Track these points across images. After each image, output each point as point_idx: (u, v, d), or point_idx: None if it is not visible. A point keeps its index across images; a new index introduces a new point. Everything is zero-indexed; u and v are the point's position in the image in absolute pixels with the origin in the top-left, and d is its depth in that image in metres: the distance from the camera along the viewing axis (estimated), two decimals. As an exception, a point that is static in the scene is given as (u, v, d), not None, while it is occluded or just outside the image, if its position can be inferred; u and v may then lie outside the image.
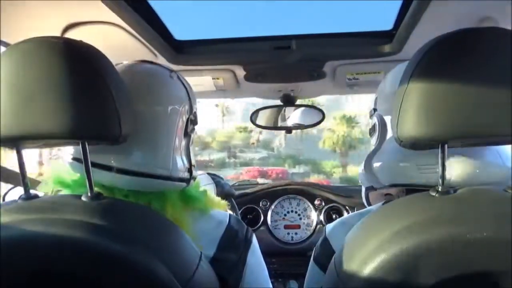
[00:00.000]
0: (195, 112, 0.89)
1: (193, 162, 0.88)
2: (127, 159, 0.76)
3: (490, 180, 0.72)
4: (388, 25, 1.07)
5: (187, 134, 0.87)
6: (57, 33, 0.92)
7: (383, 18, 1.07)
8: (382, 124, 0.86)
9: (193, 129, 0.90)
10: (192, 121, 0.88)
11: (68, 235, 0.55)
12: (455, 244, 0.51)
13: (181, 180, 0.83)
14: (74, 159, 0.77)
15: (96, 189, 0.65)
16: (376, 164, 0.86)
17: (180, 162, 0.83)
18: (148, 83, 0.81)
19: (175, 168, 0.81)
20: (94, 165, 0.72)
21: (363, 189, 0.97)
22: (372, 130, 0.93)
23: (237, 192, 2.09)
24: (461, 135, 0.58)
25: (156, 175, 0.78)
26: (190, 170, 0.86)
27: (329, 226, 0.90)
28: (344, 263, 0.62)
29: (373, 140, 0.91)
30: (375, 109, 0.91)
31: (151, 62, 0.87)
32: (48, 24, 0.90)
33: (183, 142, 0.86)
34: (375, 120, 0.90)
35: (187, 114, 0.86)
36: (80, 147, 0.64)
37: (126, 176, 0.75)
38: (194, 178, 0.88)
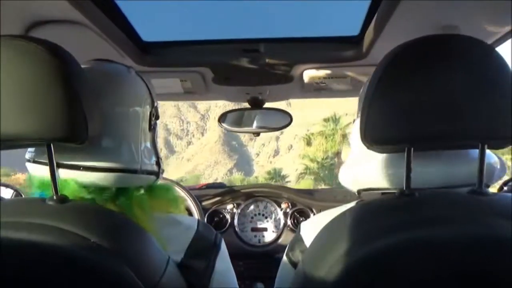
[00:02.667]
0: (156, 107, 0.90)
1: (160, 155, 0.89)
2: (95, 156, 0.74)
3: (452, 181, 0.74)
4: (354, 31, 1.09)
5: (151, 128, 0.87)
6: (20, 32, 0.89)
7: (350, 24, 1.10)
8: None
9: (156, 123, 0.90)
10: (154, 115, 0.88)
11: (32, 240, 0.54)
12: (421, 246, 0.53)
13: (151, 173, 0.83)
14: (36, 162, 0.74)
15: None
16: (345, 172, 0.88)
17: (148, 156, 0.84)
18: (110, 81, 0.81)
19: (144, 162, 0.81)
20: (60, 165, 0.70)
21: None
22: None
23: (203, 195, 2.08)
24: (426, 139, 0.60)
25: (126, 169, 0.77)
26: (158, 163, 0.87)
27: (303, 224, 0.92)
28: (312, 264, 0.62)
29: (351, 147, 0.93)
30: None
31: (109, 61, 0.86)
32: (11, 23, 0.86)
33: (149, 136, 0.87)
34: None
35: (149, 108, 0.86)
36: (41, 148, 0.62)
37: (94, 173, 0.74)
38: (163, 171, 0.89)
